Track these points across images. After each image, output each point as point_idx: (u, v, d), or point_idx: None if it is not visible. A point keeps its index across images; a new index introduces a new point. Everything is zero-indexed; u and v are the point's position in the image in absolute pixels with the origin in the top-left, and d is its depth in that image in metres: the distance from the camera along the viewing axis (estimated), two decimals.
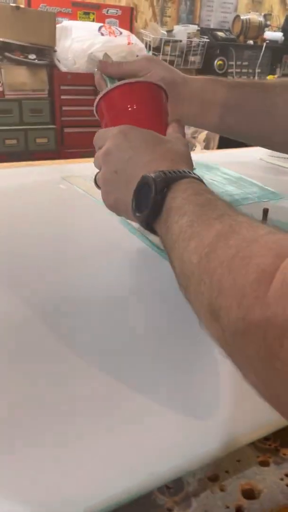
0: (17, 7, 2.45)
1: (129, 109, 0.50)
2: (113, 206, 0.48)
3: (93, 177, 0.51)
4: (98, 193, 0.61)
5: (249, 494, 0.28)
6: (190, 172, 0.40)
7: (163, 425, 0.31)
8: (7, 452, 0.28)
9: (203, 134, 2.98)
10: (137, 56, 2.76)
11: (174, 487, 0.28)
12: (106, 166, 0.47)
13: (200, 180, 0.40)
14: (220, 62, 3.42)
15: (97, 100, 0.52)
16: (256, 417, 0.32)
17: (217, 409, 0.32)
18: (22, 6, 2.58)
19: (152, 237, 0.54)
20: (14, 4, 2.54)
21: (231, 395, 0.33)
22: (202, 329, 0.29)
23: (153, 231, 0.41)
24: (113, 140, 0.47)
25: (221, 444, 0.30)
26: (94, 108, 0.54)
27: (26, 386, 0.33)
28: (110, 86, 0.54)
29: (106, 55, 0.71)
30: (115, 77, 0.66)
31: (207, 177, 0.79)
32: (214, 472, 0.29)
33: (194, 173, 0.41)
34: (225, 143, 2.93)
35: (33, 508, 0.25)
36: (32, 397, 0.32)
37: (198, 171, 0.80)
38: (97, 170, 0.50)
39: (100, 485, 0.27)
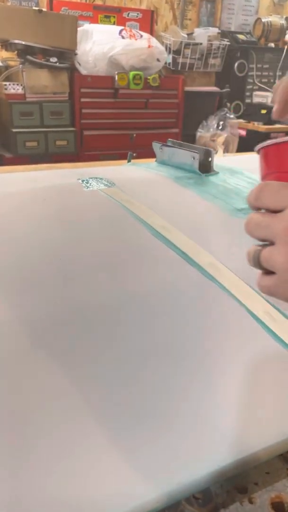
0: (40, 11, 2.48)
1: None
2: None
3: (250, 254, 0.34)
4: (122, 197, 0.60)
5: (279, 507, 0.28)
6: None
7: (191, 435, 0.31)
8: (38, 461, 0.28)
9: (222, 137, 2.96)
10: (158, 60, 2.76)
11: (203, 498, 0.28)
12: None
13: None
14: (241, 65, 3.40)
15: (268, 144, 0.38)
16: (286, 429, 0.31)
17: (246, 421, 0.32)
18: (44, 9, 2.61)
19: (180, 243, 0.54)
20: (36, 8, 2.57)
21: (260, 407, 0.33)
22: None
23: None
24: None
25: (250, 456, 0.29)
26: (257, 149, 0.40)
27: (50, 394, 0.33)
28: None
29: None
30: None
31: (232, 181, 0.78)
32: (243, 484, 0.29)
33: None
34: (244, 146, 2.91)
35: None
36: (59, 409, 0.32)
37: (222, 176, 0.79)
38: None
39: (129, 495, 0.27)
